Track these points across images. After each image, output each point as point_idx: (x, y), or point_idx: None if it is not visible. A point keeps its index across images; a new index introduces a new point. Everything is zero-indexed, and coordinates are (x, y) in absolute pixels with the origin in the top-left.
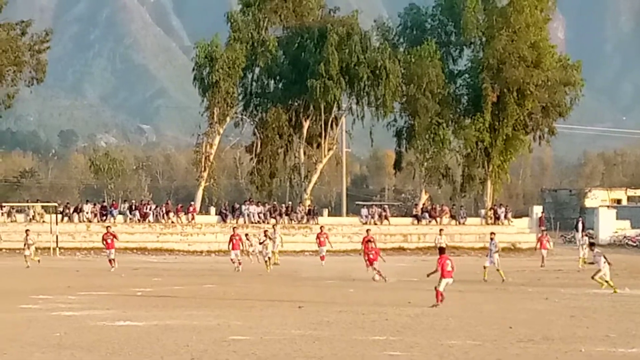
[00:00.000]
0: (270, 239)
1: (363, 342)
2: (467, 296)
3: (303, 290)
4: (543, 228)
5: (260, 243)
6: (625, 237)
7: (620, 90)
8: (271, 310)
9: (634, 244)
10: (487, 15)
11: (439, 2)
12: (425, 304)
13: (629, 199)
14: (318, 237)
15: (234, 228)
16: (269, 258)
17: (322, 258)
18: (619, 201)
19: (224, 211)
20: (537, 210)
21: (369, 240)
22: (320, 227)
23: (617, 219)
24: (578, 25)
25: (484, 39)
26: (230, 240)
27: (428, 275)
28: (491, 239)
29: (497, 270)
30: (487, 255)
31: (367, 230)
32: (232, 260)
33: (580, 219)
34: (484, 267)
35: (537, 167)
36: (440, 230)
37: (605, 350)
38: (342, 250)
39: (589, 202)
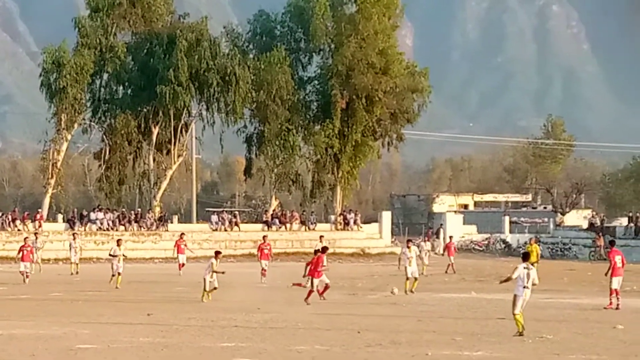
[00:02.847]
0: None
1: (212, 349)
2: (316, 301)
3: (153, 297)
4: (450, 235)
5: (110, 255)
6: (472, 241)
7: (467, 97)
8: (120, 318)
9: (481, 249)
10: (336, 22)
11: (288, 9)
12: (275, 310)
13: (476, 204)
14: (177, 244)
15: (25, 238)
16: (118, 273)
17: (181, 266)
18: (466, 206)
19: (72, 218)
20: (386, 215)
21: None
22: (180, 234)
23: (464, 224)
24: (426, 32)
25: (332, 46)
26: (20, 250)
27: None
28: (408, 247)
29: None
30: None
31: (264, 237)
32: (21, 272)
33: (442, 225)
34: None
35: (386, 173)
36: (321, 236)
37: (452, 354)
38: (192, 257)
39: (436, 208)
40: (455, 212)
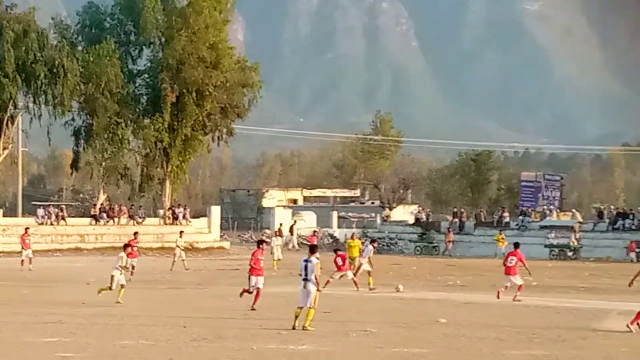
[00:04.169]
0: None
1: (34, 344)
2: (144, 296)
3: None
4: (315, 230)
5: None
6: (300, 236)
7: (297, 92)
8: None
9: (309, 243)
10: (167, 15)
11: (118, 1)
12: (101, 305)
13: (305, 199)
14: (22, 239)
15: None
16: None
17: (28, 261)
18: (295, 201)
19: None
20: (216, 210)
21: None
22: (25, 229)
23: (293, 218)
24: (257, 27)
25: (163, 39)
26: None
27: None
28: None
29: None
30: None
31: (135, 234)
32: None
33: (295, 221)
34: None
35: (216, 168)
36: (181, 232)
37: (277, 347)
38: (17, 251)
39: (266, 202)
40: (284, 206)
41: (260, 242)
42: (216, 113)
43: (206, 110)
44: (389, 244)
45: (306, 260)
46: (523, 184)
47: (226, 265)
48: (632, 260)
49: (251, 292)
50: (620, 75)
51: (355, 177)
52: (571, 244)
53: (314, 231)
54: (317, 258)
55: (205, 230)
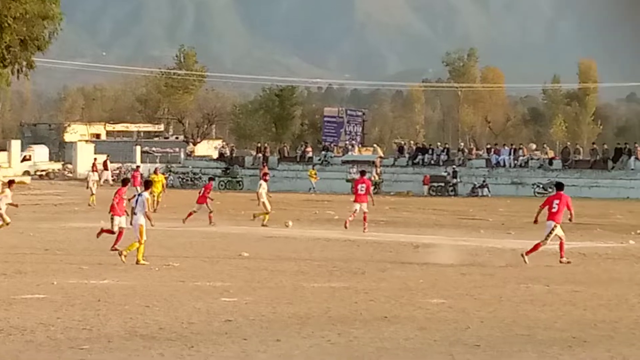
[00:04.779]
0: None
1: None
2: None
3: None
4: (138, 165)
5: None
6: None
7: (100, 25)
8: None
9: (112, 178)
10: None
11: None
12: None
13: (108, 133)
14: None
15: None
16: None
17: None
18: (98, 136)
19: None
20: (16, 144)
21: None
22: None
23: (95, 153)
24: None
25: None
26: None
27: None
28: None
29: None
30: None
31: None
32: None
33: (109, 156)
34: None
35: (16, 102)
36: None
37: (78, 282)
38: None
39: (68, 137)
40: (86, 141)
41: (125, 181)
42: (15, 45)
43: (5, 42)
44: (192, 179)
45: (138, 195)
46: (326, 119)
47: (27, 200)
48: (425, 194)
49: (114, 233)
50: (420, 13)
51: (159, 112)
52: (372, 178)
53: (137, 166)
54: (150, 193)
55: (5, 164)
